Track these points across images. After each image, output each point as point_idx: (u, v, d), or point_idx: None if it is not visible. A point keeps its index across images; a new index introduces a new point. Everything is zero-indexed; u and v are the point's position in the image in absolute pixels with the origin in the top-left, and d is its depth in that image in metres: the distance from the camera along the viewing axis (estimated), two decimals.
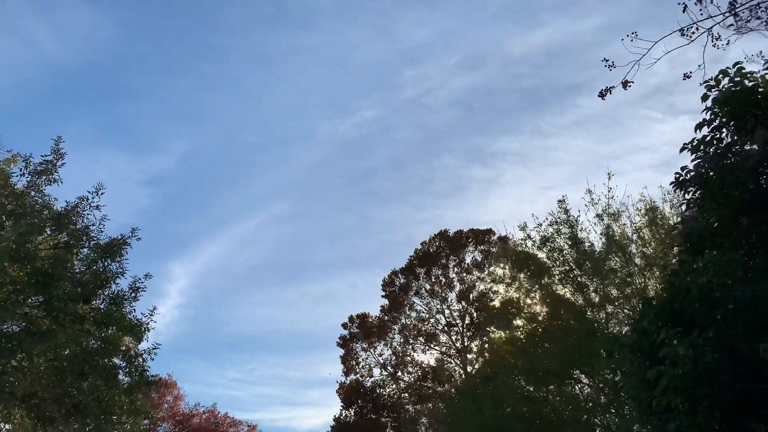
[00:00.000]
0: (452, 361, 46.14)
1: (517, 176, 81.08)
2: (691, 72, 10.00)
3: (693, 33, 9.66)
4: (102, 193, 19.84)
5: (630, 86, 10.24)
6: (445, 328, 46.30)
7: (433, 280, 46.62)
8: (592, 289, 21.17)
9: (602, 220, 21.24)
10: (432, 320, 46.66)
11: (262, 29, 78.96)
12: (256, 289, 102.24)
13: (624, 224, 20.69)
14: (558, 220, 21.75)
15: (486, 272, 45.98)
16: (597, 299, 21.09)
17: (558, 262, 21.91)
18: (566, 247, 21.88)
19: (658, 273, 18.66)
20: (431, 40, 74.91)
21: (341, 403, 45.71)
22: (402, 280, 47.70)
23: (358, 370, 47.69)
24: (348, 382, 46.69)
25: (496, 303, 44.90)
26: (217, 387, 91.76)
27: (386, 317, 47.48)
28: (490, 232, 46.89)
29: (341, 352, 48.31)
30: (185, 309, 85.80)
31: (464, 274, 46.32)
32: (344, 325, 49.19)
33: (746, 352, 8.19)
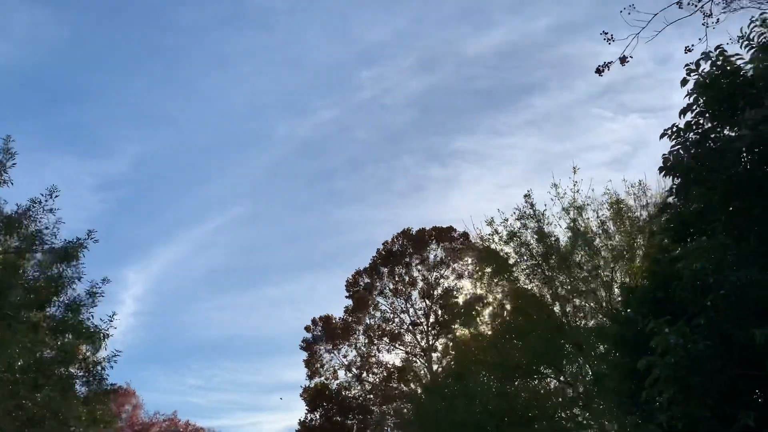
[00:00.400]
0: (418, 361, 45.85)
1: (475, 175, 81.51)
2: (692, 45, 9.83)
3: (689, 4, 9.53)
4: (56, 196, 18.79)
5: (628, 62, 10.00)
6: (410, 328, 45.99)
7: (397, 279, 46.25)
8: (558, 282, 21.09)
9: (568, 213, 21.21)
10: (396, 320, 46.29)
11: (217, 30, 77.35)
12: (214, 293, 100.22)
13: (588, 218, 20.72)
14: (525, 214, 21.62)
15: (449, 270, 45.91)
16: (564, 293, 21.02)
17: (525, 257, 21.78)
18: (533, 241, 21.76)
19: (626, 264, 18.71)
20: (387, 41, 74.71)
21: (306, 407, 44.94)
22: (366, 280, 47.21)
23: (322, 372, 46.98)
24: (312, 386, 45.92)
25: (460, 300, 45.05)
26: (177, 394, 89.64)
27: (350, 318, 46.89)
28: (452, 229, 46.84)
29: (304, 355, 47.52)
30: (141, 316, 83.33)
31: (428, 272, 46.09)
32: (307, 328, 48.39)
33: (738, 339, 8.01)
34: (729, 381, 8.30)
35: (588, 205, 20.56)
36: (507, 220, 22.49)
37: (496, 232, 22.50)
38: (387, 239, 47.23)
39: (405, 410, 28.33)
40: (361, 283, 47.45)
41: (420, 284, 46.01)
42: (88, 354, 20.36)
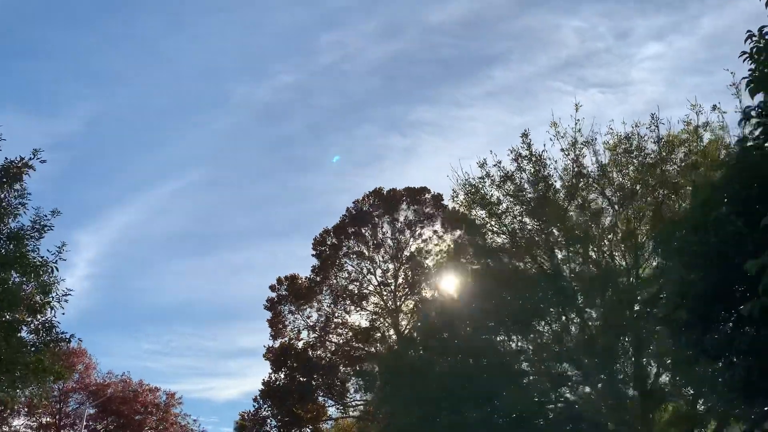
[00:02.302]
0: (384, 322, 44.13)
1: (435, 146, 79.88)
2: None
3: None
4: None
5: None
6: (377, 288, 44.14)
7: (367, 238, 44.21)
8: (554, 228, 19.37)
9: (569, 154, 19.39)
10: (364, 281, 44.33)
11: None
12: (171, 258, 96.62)
13: (598, 151, 18.79)
14: (521, 155, 19.71)
15: (419, 231, 44.09)
16: (560, 239, 19.32)
17: (519, 201, 19.95)
18: (527, 185, 19.94)
19: (636, 204, 17.09)
20: (349, 5, 71.73)
21: (270, 367, 42.80)
22: (333, 240, 45.02)
23: (286, 333, 44.84)
24: (277, 345, 43.79)
25: (430, 262, 43.38)
26: (131, 359, 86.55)
27: (318, 277, 44.71)
28: (424, 190, 44.93)
29: (264, 322, 45.23)
30: (96, 279, 79.47)
31: (398, 234, 44.17)
32: (272, 287, 46.01)
33: None
34: None
35: (593, 140, 18.75)
36: (500, 162, 20.57)
37: (488, 175, 20.56)
38: (359, 198, 45.07)
39: (384, 362, 26.40)
40: (329, 243, 45.26)
41: (389, 244, 44.11)
42: (34, 294, 17.70)
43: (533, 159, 19.64)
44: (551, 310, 19.28)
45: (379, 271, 44.02)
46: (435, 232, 42.95)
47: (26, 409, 47.87)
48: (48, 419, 48.03)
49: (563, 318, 19.20)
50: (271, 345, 44.19)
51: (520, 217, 19.98)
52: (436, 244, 42.84)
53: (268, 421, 42.32)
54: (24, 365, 17.87)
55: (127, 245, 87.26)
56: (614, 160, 18.50)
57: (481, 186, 20.61)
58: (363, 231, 44.39)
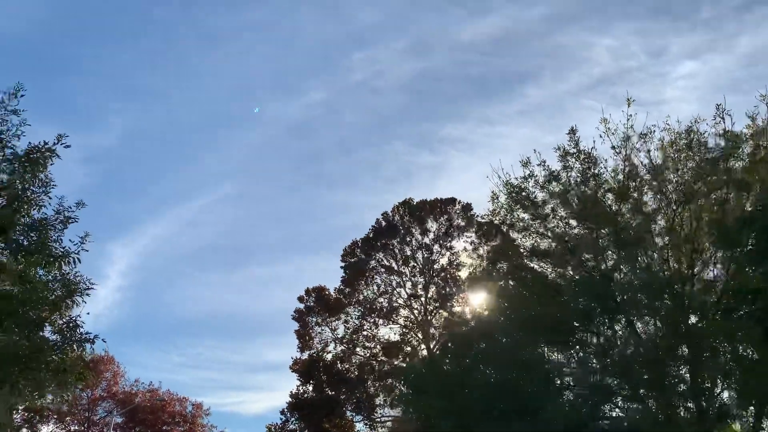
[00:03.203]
0: (414, 336, 42.56)
1: (464, 163, 78.54)
2: None
3: None
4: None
5: None
6: (407, 302, 42.64)
7: (396, 251, 42.86)
8: (604, 231, 17.83)
9: (620, 152, 17.89)
10: (394, 293, 42.89)
11: (209, 4, 73.35)
12: (200, 271, 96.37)
13: (651, 150, 17.22)
14: (568, 152, 18.27)
15: (450, 243, 42.61)
16: (610, 242, 17.76)
17: (566, 202, 18.48)
18: (574, 185, 18.47)
19: (696, 204, 15.53)
20: (380, 23, 71.35)
21: (298, 379, 41.45)
22: (363, 251, 43.77)
23: (313, 345, 43.50)
24: (305, 357, 42.47)
25: (463, 274, 41.76)
26: (161, 371, 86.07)
27: (347, 289, 43.43)
28: (453, 201, 43.56)
29: (292, 335, 44.00)
30: (127, 291, 79.42)
31: (428, 246, 42.75)
32: (300, 299, 44.84)
33: None
34: None
35: (650, 132, 17.20)
36: (545, 162, 19.14)
37: (532, 174, 19.15)
38: (388, 210, 43.81)
39: (417, 370, 24.92)
40: (358, 254, 44.03)
41: (419, 257, 42.70)
42: (55, 289, 16.72)
43: (581, 156, 18.20)
44: (598, 320, 17.68)
45: (408, 284, 42.59)
46: (471, 242, 41.39)
47: (56, 417, 47.31)
48: (76, 427, 47.29)
49: (611, 328, 17.59)
50: (298, 357, 42.97)
51: (566, 220, 18.49)
52: (469, 256, 41.30)
53: None
54: (45, 364, 16.87)
55: (158, 258, 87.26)
56: (671, 156, 16.96)
57: (524, 186, 19.22)
58: (392, 243, 43.05)
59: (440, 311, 41.79)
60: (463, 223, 42.94)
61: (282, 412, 40.99)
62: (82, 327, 18.87)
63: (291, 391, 40.96)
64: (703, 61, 79.58)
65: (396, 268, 42.72)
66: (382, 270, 43.09)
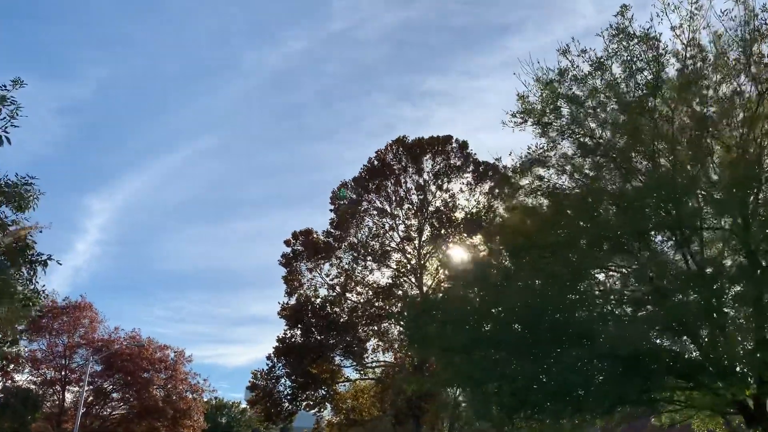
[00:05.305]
0: (407, 280, 39.12)
1: (447, 117, 74.55)
2: None
3: None
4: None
5: None
6: (400, 245, 39.05)
7: (390, 191, 39.10)
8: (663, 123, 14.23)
9: (683, 32, 14.17)
10: (386, 237, 39.22)
11: None
12: (183, 225, 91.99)
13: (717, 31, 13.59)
14: (623, 29, 14.47)
15: (446, 183, 38.91)
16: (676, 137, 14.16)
17: (617, 94, 14.78)
18: (625, 75, 14.74)
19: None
20: None
21: (286, 324, 37.99)
22: (354, 191, 39.94)
23: (302, 290, 39.90)
24: (293, 302, 38.93)
25: (459, 215, 38.24)
26: (143, 324, 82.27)
27: (336, 232, 39.71)
28: (449, 138, 39.74)
29: (283, 271, 40.30)
30: (107, 246, 74.79)
31: (423, 186, 39.01)
32: (287, 242, 41.09)
33: None
34: None
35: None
36: (584, 51, 15.34)
37: (573, 64, 15.35)
38: (381, 148, 39.84)
39: (413, 306, 21.37)
40: (349, 195, 40.20)
41: (413, 198, 38.98)
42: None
43: (637, 38, 14.44)
44: (658, 232, 14.19)
45: (402, 227, 38.95)
46: (467, 183, 37.75)
47: (30, 364, 43.52)
48: (53, 374, 43.48)
49: (674, 240, 14.11)
50: (286, 302, 39.42)
51: (618, 114, 14.80)
52: (467, 199, 37.78)
53: (282, 380, 37.57)
54: None
55: (139, 211, 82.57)
56: (754, 28, 13.31)
57: (562, 80, 15.46)
58: (386, 184, 39.23)
59: (434, 255, 38.24)
60: (460, 164, 39.27)
61: (268, 357, 37.67)
62: (33, 247, 15.28)
63: (278, 336, 37.52)
64: None
65: (389, 210, 39.02)
66: (374, 212, 39.38)
